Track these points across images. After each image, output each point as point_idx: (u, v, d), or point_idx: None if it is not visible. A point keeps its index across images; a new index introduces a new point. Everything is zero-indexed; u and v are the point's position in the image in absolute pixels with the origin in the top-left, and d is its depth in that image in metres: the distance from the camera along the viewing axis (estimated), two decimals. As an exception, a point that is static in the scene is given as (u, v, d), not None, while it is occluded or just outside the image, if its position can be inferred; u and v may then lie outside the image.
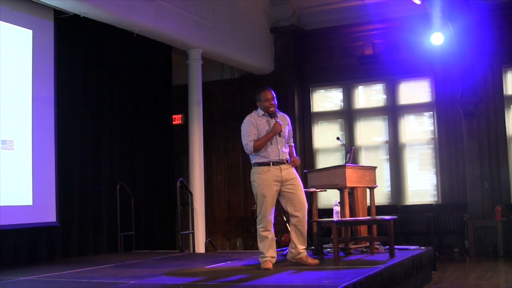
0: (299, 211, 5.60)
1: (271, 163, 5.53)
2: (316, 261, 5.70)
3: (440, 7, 9.71)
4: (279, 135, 5.57)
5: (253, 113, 5.68)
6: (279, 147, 5.58)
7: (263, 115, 5.64)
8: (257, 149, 5.53)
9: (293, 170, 5.68)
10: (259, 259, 5.63)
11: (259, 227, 5.57)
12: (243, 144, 5.61)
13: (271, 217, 5.57)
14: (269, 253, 5.55)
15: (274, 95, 5.64)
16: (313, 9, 11.24)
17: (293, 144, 5.90)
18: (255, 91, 5.79)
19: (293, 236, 5.67)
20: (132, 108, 9.30)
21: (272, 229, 5.61)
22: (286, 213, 6.06)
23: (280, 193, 5.60)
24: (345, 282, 4.37)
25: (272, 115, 5.60)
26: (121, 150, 8.99)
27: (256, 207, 5.68)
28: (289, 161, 5.64)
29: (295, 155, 5.79)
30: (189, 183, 9.08)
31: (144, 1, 8.15)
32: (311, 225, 6.56)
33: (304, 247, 5.67)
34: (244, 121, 5.65)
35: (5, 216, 6.93)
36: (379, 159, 10.81)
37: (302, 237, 5.64)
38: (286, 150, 5.67)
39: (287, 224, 6.62)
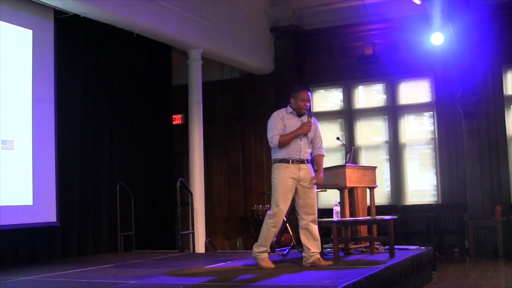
0: (309, 214, 5.58)
1: (290, 161, 5.53)
2: (329, 262, 5.63)
3: (440, 7, 9.70)
4: (305, 134, 5.58)
5: (282, 110, 5.72)
6: (301, 146, 5.57)
7: (290, 113, 5.66)
8: (282, 144, 5.52)
9: (311, 172, 5.63)
10: (257, 251, 5.62)
11: (268, 221, 5.55)
12: (268, 137, 5.60)
13: (282, 213, 5.53)
14: (268, 246, 5.60)
15: (310, 98, 5.68)
16: (313, 9, 11.24)
17: (323, 153, 5.76)
18: (291, 89, 5.83)
19: (304, 240, 5.60)
20: (132, 108, 9.30)
21: (280, 225, 5.63)
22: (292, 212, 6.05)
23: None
24: (345, 282, 4.37)
25: (302, 115, 5.63)
26: (121, 150, 8.98)
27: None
28: (309, 162, 5.62)
29: (321, 173, 5.63)
30: (189, 183, 9.08)
31: (144, 1, 8.15)
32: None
33: (317, 250, 5.59)
34: (272, 115, 5.68)
35: (5, 216, 6.92)
36: (379, 159, 10.81)
37: (314, 241, 5.59)
38: (309, 150, 5.65)
39: (287, 224, 6.65)
